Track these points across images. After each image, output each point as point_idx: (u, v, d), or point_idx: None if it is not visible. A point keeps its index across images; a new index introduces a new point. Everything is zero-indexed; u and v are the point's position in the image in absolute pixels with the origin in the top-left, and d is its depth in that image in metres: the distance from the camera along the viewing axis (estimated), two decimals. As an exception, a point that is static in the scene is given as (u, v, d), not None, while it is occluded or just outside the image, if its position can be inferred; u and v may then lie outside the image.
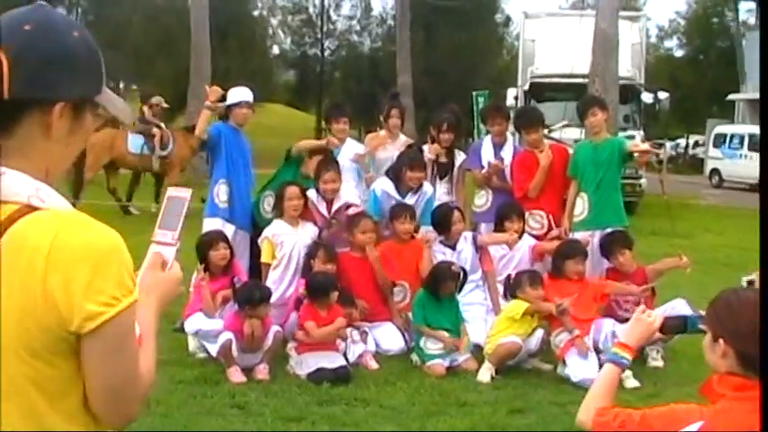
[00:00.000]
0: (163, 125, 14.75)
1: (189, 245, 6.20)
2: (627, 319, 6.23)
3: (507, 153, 7.67)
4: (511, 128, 8.16)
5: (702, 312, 2.46)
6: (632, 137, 13.96)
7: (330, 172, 6.95)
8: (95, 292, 1.41)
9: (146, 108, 14.93)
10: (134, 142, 14.37)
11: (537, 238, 7.23)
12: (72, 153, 1.61)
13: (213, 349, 5.95)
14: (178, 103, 21.41)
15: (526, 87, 18.53)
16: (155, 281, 1.71)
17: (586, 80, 16.35)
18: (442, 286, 6.29)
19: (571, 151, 7.72)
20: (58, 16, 1.56)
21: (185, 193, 1.84)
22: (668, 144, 34.20)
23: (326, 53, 48.61)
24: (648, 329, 2.55)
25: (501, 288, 6.80)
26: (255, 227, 7.19)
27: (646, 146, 7.61)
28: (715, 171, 30.14)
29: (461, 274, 6.40)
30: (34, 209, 1.45)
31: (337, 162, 7.18)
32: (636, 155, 7.47)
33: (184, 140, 14.03)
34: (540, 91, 18.11)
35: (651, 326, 2.55)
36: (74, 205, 1.56)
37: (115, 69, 36.32)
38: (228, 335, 5.82)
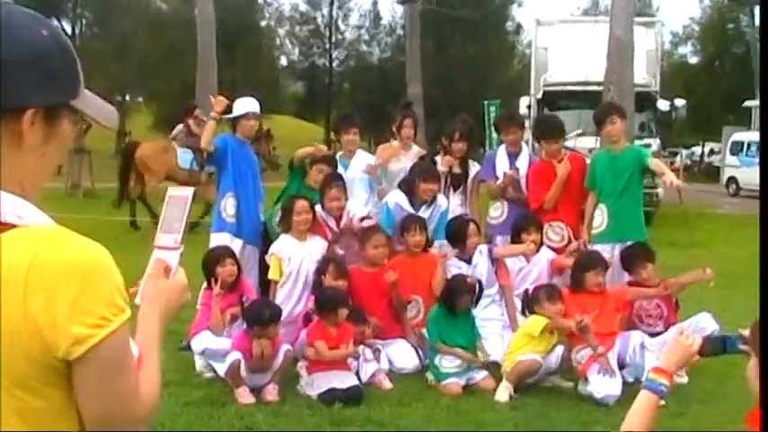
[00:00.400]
0: None
1: (197, 260, 6.03)
2: (650, 334, 6.13)
3: (522, 163, 7.48)
4: (525, 136, 7.95)
5: (744, 332, 2.31)
6: (648, 145, 13.75)
7: (334, 189, 6.79)
8: (82, 312, 1.27)
9: (191, 121, 14.26)
10: (183, 158, 13.87)
11: (557, 250, 7.01)
12: (50, 163, 1.45)
13: (221, 369, 5.76)
14: (185, 115, 21.31)
15: (539, 96, 18.34)
16: (158, 290, 1.60)
17: (601, 88, 16.11)
18: (458, 300, 6.08)
19: (588, 161, 7.48)
20: (22, 14, 1.38)
21: (187, 192, 1.73)
22: (683, 152, 33.93)
23: (335, 64, 48.69)
24: (687, 353, 2.42)
25: (519, 303, 6.58)
26: (269, 242, 6.94)
27: (672, 176, 6.92)
28: (732, 179, 29.77)
29: (477, 288, 6.19)
30: (10, 226, 1.30)
31: (341, 177, 7.01)
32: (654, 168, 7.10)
33: None
34: (554, 99, 17.92)
35: (690, 349, 2.41)
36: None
37: (121, 82, 36.33)
38: (237, 355, 5.62)
